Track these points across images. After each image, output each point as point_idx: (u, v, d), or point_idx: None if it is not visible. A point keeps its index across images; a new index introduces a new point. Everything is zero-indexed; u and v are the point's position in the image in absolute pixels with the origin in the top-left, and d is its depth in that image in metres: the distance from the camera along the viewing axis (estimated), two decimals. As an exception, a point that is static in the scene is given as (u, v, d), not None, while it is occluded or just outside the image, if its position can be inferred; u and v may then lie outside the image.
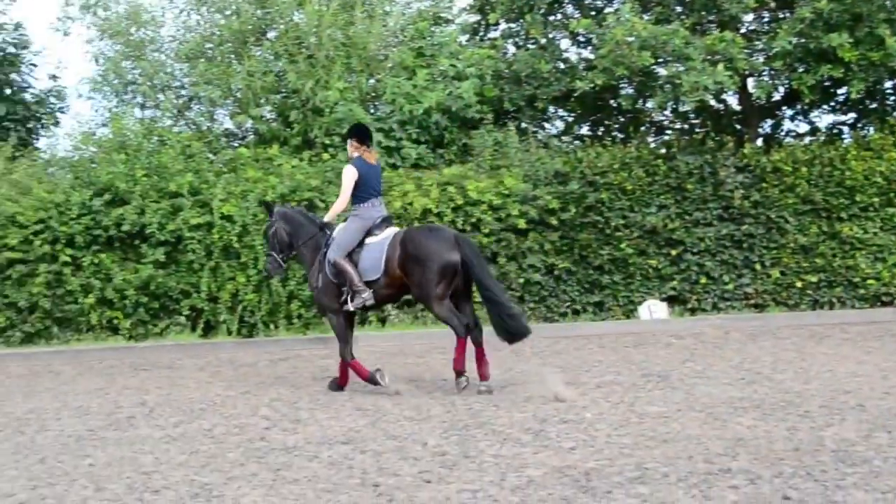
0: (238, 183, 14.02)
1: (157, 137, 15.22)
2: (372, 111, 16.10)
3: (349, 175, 9.50)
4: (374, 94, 16.48)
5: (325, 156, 14.68)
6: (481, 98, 15.62)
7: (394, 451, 6.79)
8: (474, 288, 9.44)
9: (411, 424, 7.74)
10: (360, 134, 9.88)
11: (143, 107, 17.37)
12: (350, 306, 9.46)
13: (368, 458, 6.61)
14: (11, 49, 18.34)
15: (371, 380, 9.33)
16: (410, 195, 14.10)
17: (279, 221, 10.01)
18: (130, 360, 12.40)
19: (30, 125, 18.26)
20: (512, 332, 9.17)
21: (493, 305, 9.15)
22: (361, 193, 9.56)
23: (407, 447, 6.92)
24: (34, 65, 18.81)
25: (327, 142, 15.17)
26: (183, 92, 17.59)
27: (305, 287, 13.61)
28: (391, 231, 9.56)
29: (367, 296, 9.35)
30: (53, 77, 19.12)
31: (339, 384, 9.66)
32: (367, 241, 9.47)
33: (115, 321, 13.57)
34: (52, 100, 18.88)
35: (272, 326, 13.78)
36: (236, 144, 16.61)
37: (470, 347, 9.10)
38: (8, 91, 18.09)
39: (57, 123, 18.64)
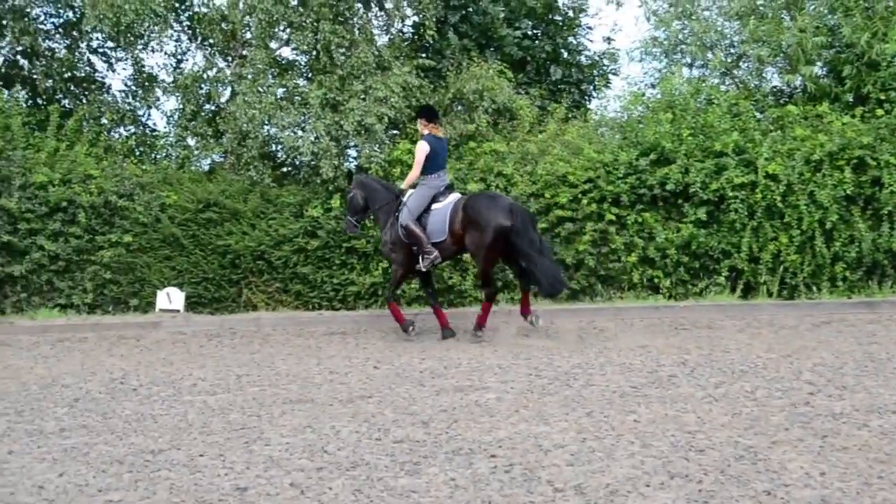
0: (785, 141, 13.69)
1: (704, 96, 15.25)
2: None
3: (422, 149, 11.05)
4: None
5: (879, 112, 13.87)
6: None
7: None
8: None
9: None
10: (429, 113, 11.40)
11: (691, 66, 17.54)
12: (422, 266, 11.13)
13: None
14: (570, 13, 19.21)
15: (403, 328, 11.43)
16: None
17: (356, 189, 11.89)
18: (670, 318, 12.48)
19: (583, 87, 19.02)
20: (546, 292, 11.06)
21: (534, 267, 10.61)
22: (431, 165, 11.11)
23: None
24: (590, 28, 19.55)
25: (882, 97, 14.30)
26: (731, 50, 17.50)
27: (851, 248, 13.06)
28: (454, 197, 11.20)
29: (434, 256, 11.04)
30: (608, 40, 19.80)
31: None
32: (433, 207, 11.11)
33: (656, 280, 13.78)
34: (605, 62, 19.53)
35: (815, 289, 13.33)
36: (784, 102, 16.18)
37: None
38: (565, 54, 19.01)
39: (608, 85, 19.29)
